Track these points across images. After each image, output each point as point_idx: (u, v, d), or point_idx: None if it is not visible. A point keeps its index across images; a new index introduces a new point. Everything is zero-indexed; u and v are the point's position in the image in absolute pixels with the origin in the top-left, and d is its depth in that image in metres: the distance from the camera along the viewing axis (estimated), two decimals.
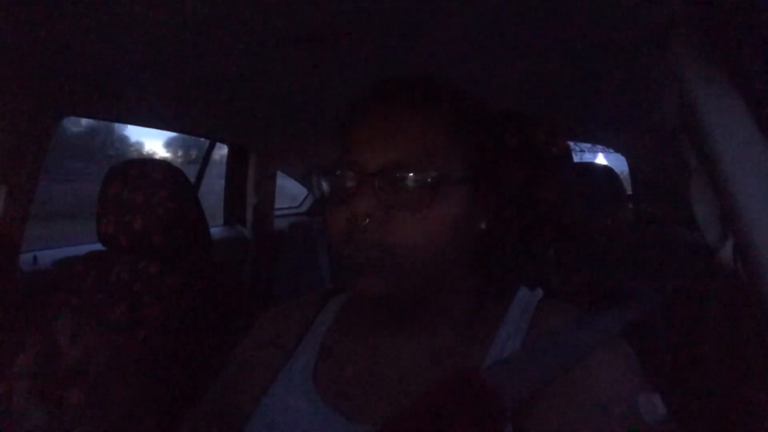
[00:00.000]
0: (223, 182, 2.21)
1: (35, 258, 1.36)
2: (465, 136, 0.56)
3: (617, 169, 1.48)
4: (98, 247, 1.21)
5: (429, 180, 0.52)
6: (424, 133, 0.54)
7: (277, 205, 2.40)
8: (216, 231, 2.06)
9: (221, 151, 2.18)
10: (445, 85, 0.58)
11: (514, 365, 0.52)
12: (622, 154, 2.44)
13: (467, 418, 0.48)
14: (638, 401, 0.49)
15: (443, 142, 0.54)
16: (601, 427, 0.48)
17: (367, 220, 0.51)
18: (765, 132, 0.58)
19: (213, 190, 2.22)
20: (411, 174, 0.52)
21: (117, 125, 4.59)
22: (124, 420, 0.96)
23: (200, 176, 2.16)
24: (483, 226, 0.58)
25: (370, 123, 0.55)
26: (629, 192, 2.30)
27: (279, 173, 2.37)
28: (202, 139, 2.18)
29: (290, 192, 3.17)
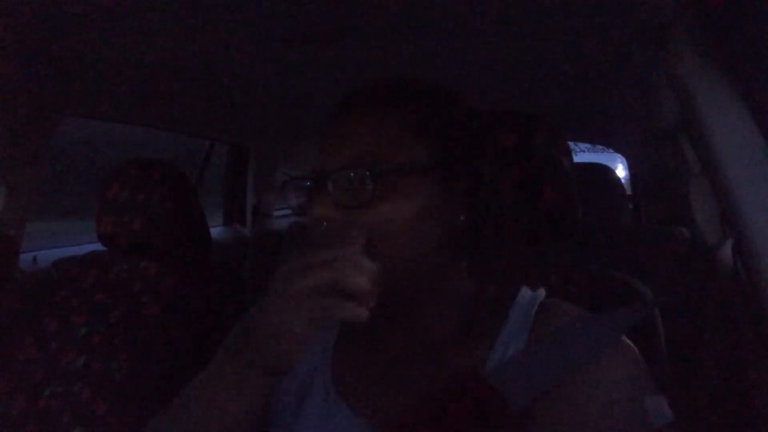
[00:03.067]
0: None
1: (35, 258, 1.36)
2: (431, 128, 0.54)
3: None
4: (98, 247, 1.21)
5: (371, 171, 0.50)
6: (379, 128, 0.53)
7: (277, 205, 2.39)
8: (216, 231, 2.06)
9: None
10: (410, 83, 0.57)
11: (519, 367, 0.51)
12: (622, 154, 2.44)
13: (473, 422, 0.48)
14: (646, 404, 0.49)
15: (403, 135, 0.53)
16: (608, 430, 0.48)
17: (324, 225, 0.50)
18: (765, 132, 0.58)
19: None
20: (365, 168, 0.50)
21: None
22: (123, 420, 0.96)
23: (200, 176, 2.16)
24: (462, 218, 0.56)
25: (329, 129, 0.55)
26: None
27: (278, 173, 2.37)
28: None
29: None
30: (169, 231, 1.13)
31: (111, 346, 1.02)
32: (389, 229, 0.51)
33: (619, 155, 2.59)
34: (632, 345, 0.54)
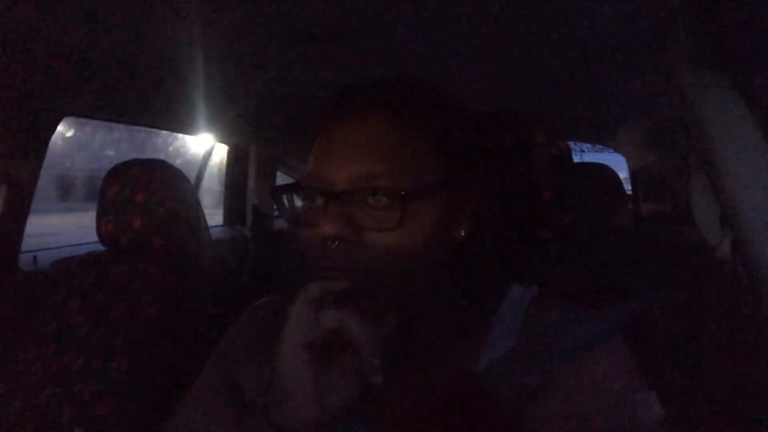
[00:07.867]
0: None
1: (35, 258, 1.36)
2: (440, 138, 0.53)
3: None
4: (98, 246, 1.21)
5: (400, 195, 0.48)
6: (392, 141, 0.50)
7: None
8: (216, 231, 2.06)
9: None
10: (417, 85, 0.55)
11: (510, 366, 0.51)
12: (622, 154, 2.45)
13: (466, 421, 0.48)
14: (635, 400, 0.49)
15: (415, 149, 0.51)
16: (598, 426, 0.48)
17: (336, 243, 0.49)
18: (764, 132, 0.58)
19: None
20: (380, 190, 0.49)
21: None
22: (123, 419, 0.96)
23: (200, 176, 2.16)
24: (462, 232, 0.55)
25: (335, 134, 0.52)
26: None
27: (279, 173, 2.37)
28: None
29: None
30: (169, 231, 1.13)
31: (111, 346, 1.02)
32: (404, 250, 0.50)
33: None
34: (623, 341, 0.54)
